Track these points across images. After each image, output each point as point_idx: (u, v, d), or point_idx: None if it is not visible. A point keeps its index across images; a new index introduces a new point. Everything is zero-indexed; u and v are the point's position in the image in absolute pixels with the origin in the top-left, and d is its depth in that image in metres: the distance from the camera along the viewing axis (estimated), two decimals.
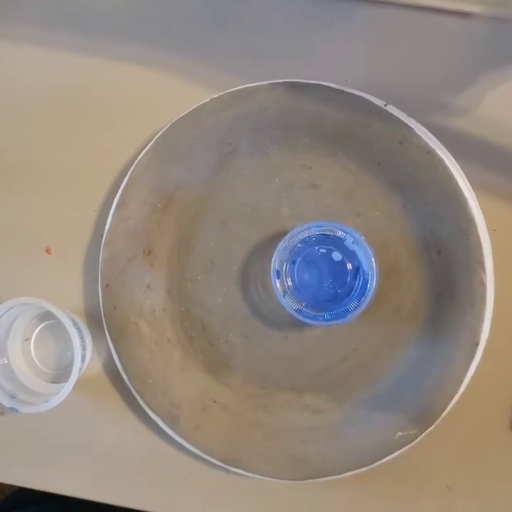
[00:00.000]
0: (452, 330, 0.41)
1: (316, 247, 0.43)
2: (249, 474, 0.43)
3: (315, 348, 0.44)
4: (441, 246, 0.41)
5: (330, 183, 0.44)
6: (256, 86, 0.42)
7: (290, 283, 0.43)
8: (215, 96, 0.43)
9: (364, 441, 0.42)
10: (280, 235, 0.43)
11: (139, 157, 0.44)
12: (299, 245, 0.43)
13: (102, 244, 0.44)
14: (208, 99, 0.43)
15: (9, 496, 0.61)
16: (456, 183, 0.40)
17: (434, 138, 0.41)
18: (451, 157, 0.41)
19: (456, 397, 0.41)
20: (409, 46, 0.43)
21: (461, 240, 0.40)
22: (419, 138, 0.40)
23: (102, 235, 0.44)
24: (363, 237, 0.40)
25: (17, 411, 0.43)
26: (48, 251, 0.47)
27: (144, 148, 0.44)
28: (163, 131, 0.43)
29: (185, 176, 0.45)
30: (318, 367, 0.44)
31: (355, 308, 0.40)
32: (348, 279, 0.42)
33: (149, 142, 0.44)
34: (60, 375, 0.47)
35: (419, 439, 0.41)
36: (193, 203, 0.45)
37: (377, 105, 0.41)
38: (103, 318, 0.45)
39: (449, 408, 0.41)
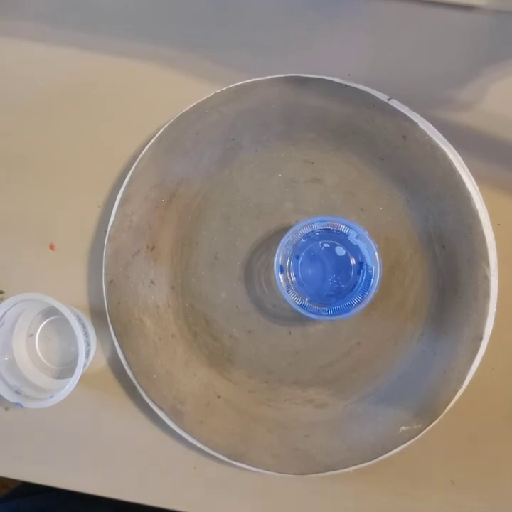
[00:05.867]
0: (456, 324, 0.41)
1: (320, 242, 0.43)
2: (253, 468, 0.43)
3: (318, 343, 0.44)
4: (445, 240, 0.41)
5: (333, 178, 0.43)
6: (259, 81, 0.42)
7: (294, 278, 0.43)
8: (218, 91, 0.43)
9: (368, 435, 0.42)
10: (284, 229, 0.43)
11: (142, 152, 0.44)
12: (302, 240, 0.43)
13: (106, 240, 0.44)
14: (211, 94, 0.43)
15: (12, 490, 0.62)
16: (460, 177, 0.40)
17: (437, 132, 0.41)
18: (454, 151, 0.41)
19: (460, 392, 0.41)
20: (412, 40, 0.43)
21: (464, 234, 0.40)
22: (422, 132, 0.40)
23: (105, 231, 0.45)
24: (367, 232, 0.40)
25: (22, 406, 0.43)
26: (51, 247, 0.48)
27: (147, 143, 0.44)
28: (166, 126, 0.43)
29: (189, 171, 0.45)
30: (322, 361, 0.44)
31: (359, 303, 0.40)
32: (352, 273, 0.42)
33: (152, 137, 0.44)
34: (65, 370, 0.47)
35: (423, 433, 0.41)
36: (196, 199, 0.45)
37: (380, 99, 0.41)
38: (107, 313, 0.45)
39: (452, 403, 0.41)
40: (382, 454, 0.42)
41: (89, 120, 0.47)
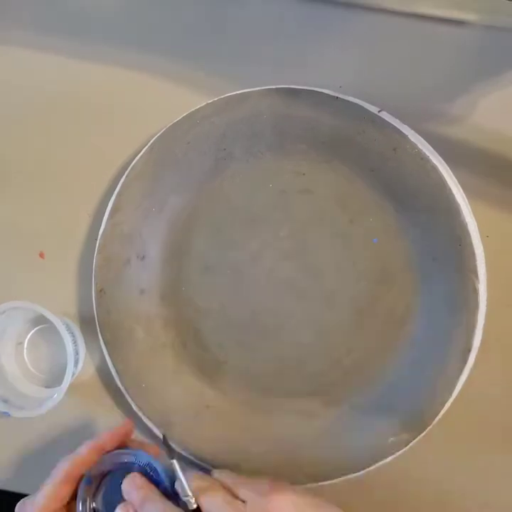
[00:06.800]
0: (445, 336, 0.41)
1: None
2: None
3: (308, 353, 0.44)
4: (435, 252, 0.42)
5: (324, 189, 0.44)
6: (250, 92, 0.42)
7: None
8: (210, 101, 0.43)
9: (356, 446, 0.42)
10: (274, 239, 0.44)
11: (134, 162, 0.44)
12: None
13: (96, 248, 0.44)
14: (202, 104, 0.43)
15: None
16: (450, 190, 0.40)
17: (427, 145, 0.41)
18: (444, 164, 0.41)
19: (449, 403, 0.41)
20: (403, 53, 0.44)
21: (454, 246, 0.40)
22: (412, 145, 0.40)
23: (96, 240, 0.44)
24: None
25: (9, 415, 0.43)
26: (41, 255, 0.47)
27: (138, 152, 0.44)
28: (158, 135, 0.43)
29: (180, 181, 0.45)
30: (311, 372, 0.44)
31: None
32: None
33: (144, 147, 0.44)
34: (53, 379, 0.47)
35: (411, 444, 0.41)
36: (187, 208, 0.45)
37: (371, 112, 0.41)
38: (97, 322, 0.45)
39: (441, 413, 0.41)
40: (371, 465, 0.42)
41: (80, 129, 0.47)
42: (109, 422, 0.47)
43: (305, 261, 0.44)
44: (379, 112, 0.41)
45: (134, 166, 0.44)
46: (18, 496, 0.48)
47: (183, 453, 0.44)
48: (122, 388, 0.44)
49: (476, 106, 0.43)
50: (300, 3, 0.44)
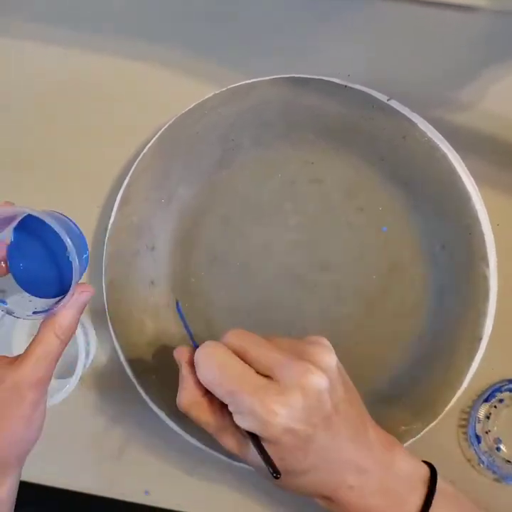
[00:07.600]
0: (455, 325, 0.41)
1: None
2: (253, 468, 0.43)
3: None
4: (445, 241, 0.41)
5: (333, 178, 0.43)
6: (258, 81, 0.42)
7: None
8: (218, 91, 0.43)
9: None
10: (284, 229, 0.44)
11: (142, 153, 0.44)
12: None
13: (106, 240, 0.44)
14: (210, 95, 0.43)
15: None
16: (459, 178, 0.40)
17: (437, 133, 0.41)
18: (454, 152, 0.41)
19: (459, 392, 0.41)
20: (412, 40, 0.43)
21: (464, 235, 0.40)
22: (422, 133, 0.40)
23: (105, 231, 0.45)
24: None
25: None
26: None
27: (146, 144, 0.44)
28: (166, 126, 0.43)
29: (188, 172, 0.45)
30: None
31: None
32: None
33: (152, 138, 0.44)
34: (65, 370, 0.47)
35: (422, 433, 0.41)
36: (195, 199, 0.45)
37: (380, 100, 0.41)
38: (107, 313, 0.45)
39: (452, 402, 0.41)
40: None
41: (88, 121, 0.47)
42: (120, 413, 0.47)
43: (314, 251, 0.44)
44: (388, 100, 0.41)
45: (142, 157, 0.44)
46: (33, 487, 0.48)
47: (195, 442, 0.44)
48: (133, 379, 0.44)
49: (486, 93, 0.42)
50: None
